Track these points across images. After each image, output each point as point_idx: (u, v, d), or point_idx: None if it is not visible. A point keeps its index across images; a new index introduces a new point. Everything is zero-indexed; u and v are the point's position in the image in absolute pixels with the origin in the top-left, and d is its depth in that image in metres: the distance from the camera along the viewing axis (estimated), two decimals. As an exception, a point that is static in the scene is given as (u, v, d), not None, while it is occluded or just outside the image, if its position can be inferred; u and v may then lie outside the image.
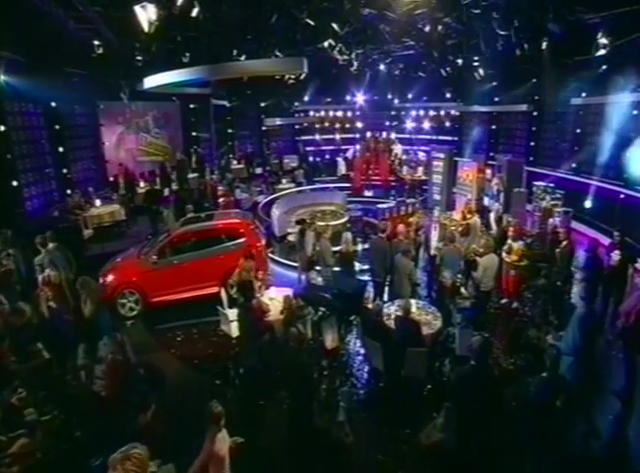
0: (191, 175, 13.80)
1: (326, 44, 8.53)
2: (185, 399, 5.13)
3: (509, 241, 6.64)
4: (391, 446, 4.52)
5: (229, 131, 17.11)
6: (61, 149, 10.94)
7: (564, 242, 6.48)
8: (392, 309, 5.99)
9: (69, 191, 10.45)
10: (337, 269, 6.83)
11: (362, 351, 5.78)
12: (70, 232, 7.95)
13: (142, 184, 11.70)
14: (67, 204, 9.70)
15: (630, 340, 4.72)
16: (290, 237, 9.78)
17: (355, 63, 10.52)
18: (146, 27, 6.02)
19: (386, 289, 6.71)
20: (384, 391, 5.24)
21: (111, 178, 12.12)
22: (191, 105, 15.35)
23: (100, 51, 7.65)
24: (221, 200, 11.11)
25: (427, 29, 7.48)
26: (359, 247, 8.76)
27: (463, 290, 5.96)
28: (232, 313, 5.87)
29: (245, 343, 4.62)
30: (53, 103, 10.63)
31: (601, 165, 11.39)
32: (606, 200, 10.58)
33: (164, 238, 7.50)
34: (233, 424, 3.47)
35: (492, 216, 8.41)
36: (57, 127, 10.82)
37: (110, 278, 6.96)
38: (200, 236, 7.65)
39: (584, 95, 11.59)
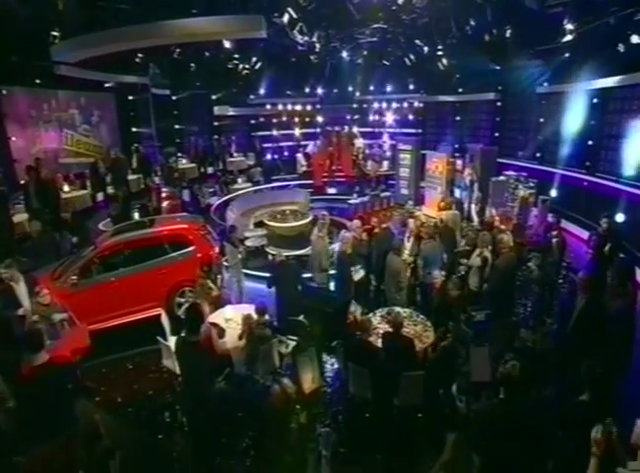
0: (131, 177, 12.19)
1: (285, 19, 7.54)
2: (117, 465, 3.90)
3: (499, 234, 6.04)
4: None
5: (177, 127, 15.56)
6: None
7: (554, 231, 6.03)
8: (374, 321, 5.13)
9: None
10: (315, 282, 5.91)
11: (344, 378, 4.82)
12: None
13: (66, 188, 9.91)
14: None
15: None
16: (248, 242, 8.70)
17: (317, 45, 9.64)
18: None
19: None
20: (374, 427, 4.32)
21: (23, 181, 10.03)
22: (130, 97, 13.65)
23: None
24: (165, 204, 9.82)
25: (401, 1, 6.74)
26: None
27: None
28: (177, 343, 4.68)
29: (192, 391, 3.46)
30: None
31: (564, 153, 11.52)
32: (571, 188, 10.56)
33: (89, 253, 6.09)
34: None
35: (474, 207, 7.88)
36: None
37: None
38: (137, 246, 6.33)
39: (546, 84, 11.59)
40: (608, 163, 9.95)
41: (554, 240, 5.72)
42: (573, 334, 4.17)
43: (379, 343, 4.64)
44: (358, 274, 5.74)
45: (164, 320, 5.21)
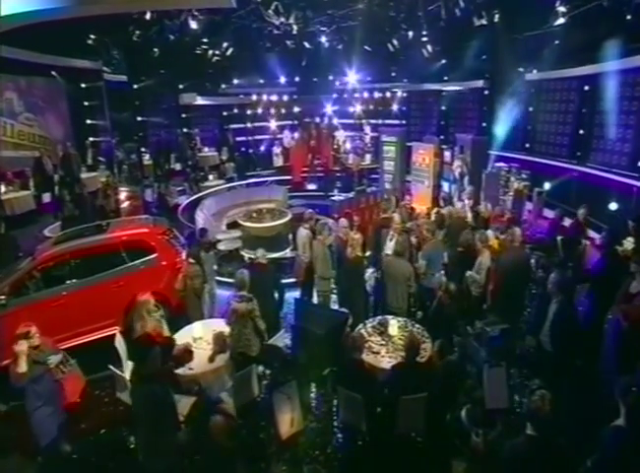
0: (86, 175, 11.25)
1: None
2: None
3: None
4: None
5: (139, 119, 14.60)
6: None
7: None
8: (364, 333, 4.66)
9: None
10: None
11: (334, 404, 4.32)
12: None
13: (2, 189, 8.89)
14: None
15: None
16: (221, 246, 8.11)
17: (295, 28, 9.10)
18: None
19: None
20: (369, 459, 3.86)
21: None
22: (82, 85, 12.62)
23: None
24: (125, 204, 9.07)
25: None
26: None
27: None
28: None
29: (149, 439, 2.86)
30: None
31: (553, 143, 11.45)
32: (561, 179, 10.49)
33: (24, 266, 5.34)
34: None
35: (467, 202, 7.56)
36: None
37: None
38: (87, 255, 5.63)
39: (535, 71, 11.50)
40: (599, 152, 9.91)
41: (559, 238, 5.42)
42: (552, 342, 3.89)
43: (371, 359, 4.18)
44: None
45: (119, 344, 4.57)
